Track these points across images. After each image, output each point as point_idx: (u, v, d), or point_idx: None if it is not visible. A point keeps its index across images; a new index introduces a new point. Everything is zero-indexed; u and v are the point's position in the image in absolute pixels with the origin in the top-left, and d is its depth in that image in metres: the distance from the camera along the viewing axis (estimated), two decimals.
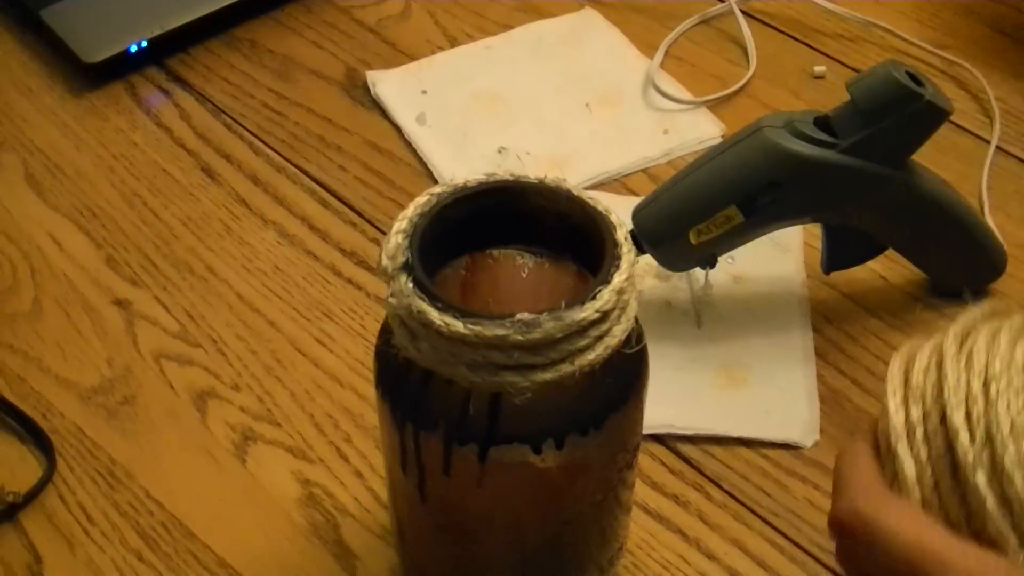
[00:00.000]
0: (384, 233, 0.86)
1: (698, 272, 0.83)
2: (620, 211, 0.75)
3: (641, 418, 0.58)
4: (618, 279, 0.50)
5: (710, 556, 0.70)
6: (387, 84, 1.01)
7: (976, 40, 1.05)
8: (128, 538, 0.71)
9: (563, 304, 0.48)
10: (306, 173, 0.94)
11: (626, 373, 0.54)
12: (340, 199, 0.92)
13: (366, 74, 1.02)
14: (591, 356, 0.50)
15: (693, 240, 0.76)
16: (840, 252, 0.80)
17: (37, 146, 0.97)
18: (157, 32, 1.03)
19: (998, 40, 1.05)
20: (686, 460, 0.75)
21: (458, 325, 0.48)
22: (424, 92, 1.00)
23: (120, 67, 1.03)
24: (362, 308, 0.84)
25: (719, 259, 0.79)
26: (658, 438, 0.76)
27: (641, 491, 0.73)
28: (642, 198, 0.79)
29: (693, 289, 0.83)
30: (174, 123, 0.99)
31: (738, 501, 0.73)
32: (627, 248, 0.51)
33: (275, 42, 1.06)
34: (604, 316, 0.49)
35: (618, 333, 0.50)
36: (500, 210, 0.55)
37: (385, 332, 0.55)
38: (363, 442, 0.77)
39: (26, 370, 0.80)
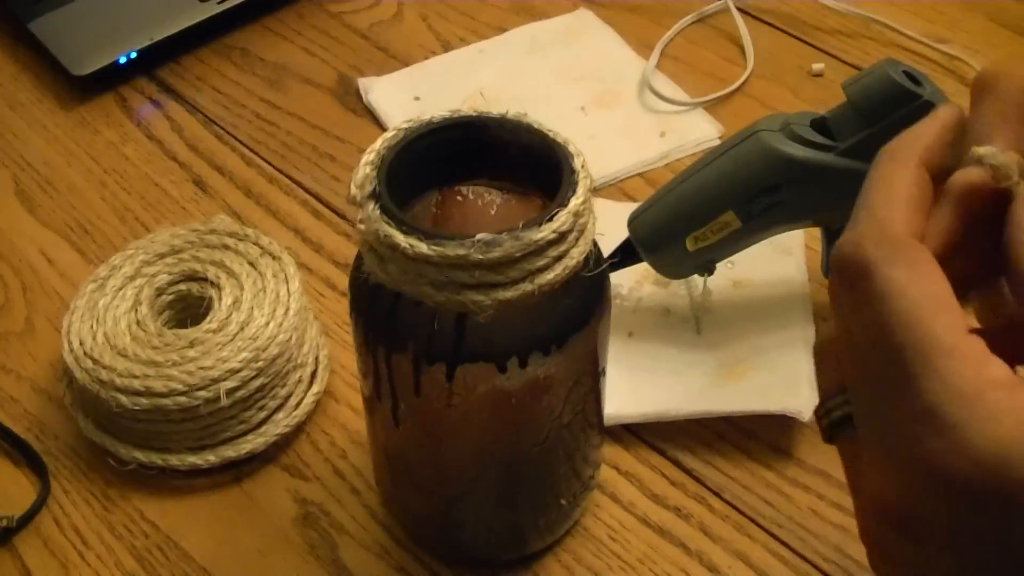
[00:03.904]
0: None
1: (697, 278, 0.85)
2: (618, 218, 0.80)
3: (604, 342, 0.65)
4: (574, 202, 0.57)
5: (713, 569, 0.74)
6: (379, 90, 1.06)
7: (977, 34, 1.10)
8: (123, 560, 0.75)
9: (521, 225, 0.56)
10: (299, 184, 1.00)
11: (587, 295, 0.62)
12: (334, 210, 0.97)
13: (358, 81, 1.07)
14: (550, 276, 0.57)
15: (690, 247, 0.79)
16: None
17: (27, 161, 1.02)
18: (146, 42, 1.10)
19: (999, 33, 1.11)
20: (687, 471, 0.79)
21: (422, 246, 0.55)
22: (417, 98, 1.04)
23: (110, 78, 1.09)
24: None
25: (719, 264, 0.82)
26: (659, 450, 0.80)
27: (642, 504, 0.77)
28: (638, 204, 0.82)
29: (692, 295, 0.86)
30: (165, 135, 1.04)
31: (740, 512, 0.77)
32: (584, 174, 0.58)
33: (266, 50, 1.13)
34: (561, 237, 0.57)
35: (576, 255, 0.58)
36: (467, 144, 0.62)
37: (357, 261, 0.62)
38: (359, 458, 0.80)
39: (19, 390, 0.85)
